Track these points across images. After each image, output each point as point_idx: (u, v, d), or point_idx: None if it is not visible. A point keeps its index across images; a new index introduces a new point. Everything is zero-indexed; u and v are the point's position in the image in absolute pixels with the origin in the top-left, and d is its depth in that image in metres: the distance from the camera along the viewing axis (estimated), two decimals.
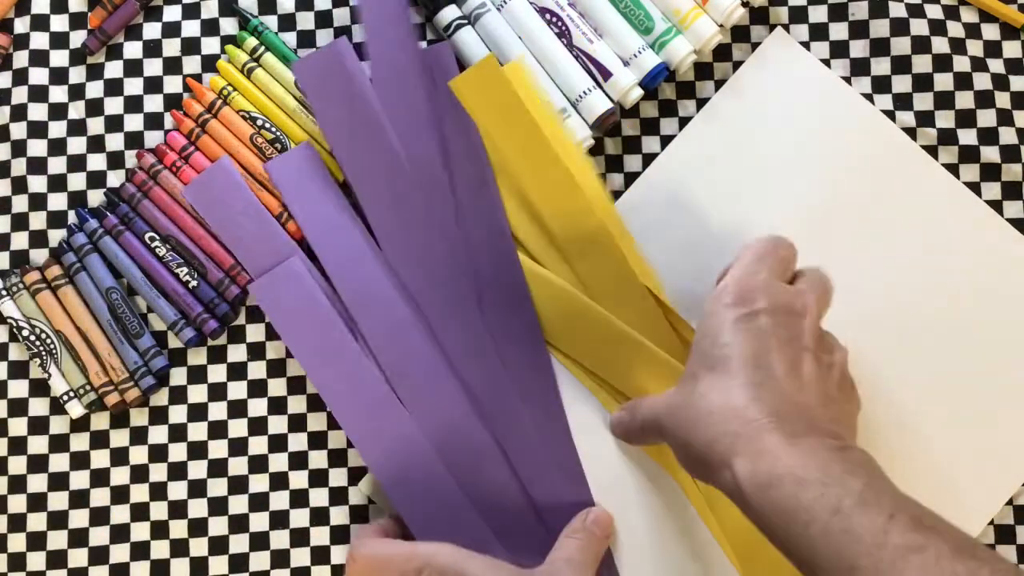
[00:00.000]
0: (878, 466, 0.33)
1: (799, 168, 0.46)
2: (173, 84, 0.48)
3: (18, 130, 0.47)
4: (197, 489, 0.45)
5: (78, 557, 0.45)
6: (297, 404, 0.46)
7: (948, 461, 0.44)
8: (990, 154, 0.46)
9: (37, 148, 0.47)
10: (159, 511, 0.45)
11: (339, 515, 0.45)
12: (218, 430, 0.46)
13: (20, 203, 0.47)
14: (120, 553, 0.45)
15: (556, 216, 0.44)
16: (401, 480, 0.43)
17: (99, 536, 0.45)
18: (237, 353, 0.46)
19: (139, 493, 0.45)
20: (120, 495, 0.45)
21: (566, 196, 0.44)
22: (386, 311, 0.44)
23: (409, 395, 0.43)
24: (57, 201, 0.47)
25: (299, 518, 0.45)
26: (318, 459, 0.46)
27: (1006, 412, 0.45)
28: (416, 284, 0.45)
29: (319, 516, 0.45)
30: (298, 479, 0.45)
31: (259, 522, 0.45)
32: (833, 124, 0.47)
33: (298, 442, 0.46)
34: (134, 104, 0.47)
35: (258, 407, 0.46)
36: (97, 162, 0.47)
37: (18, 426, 0.46)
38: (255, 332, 0.46)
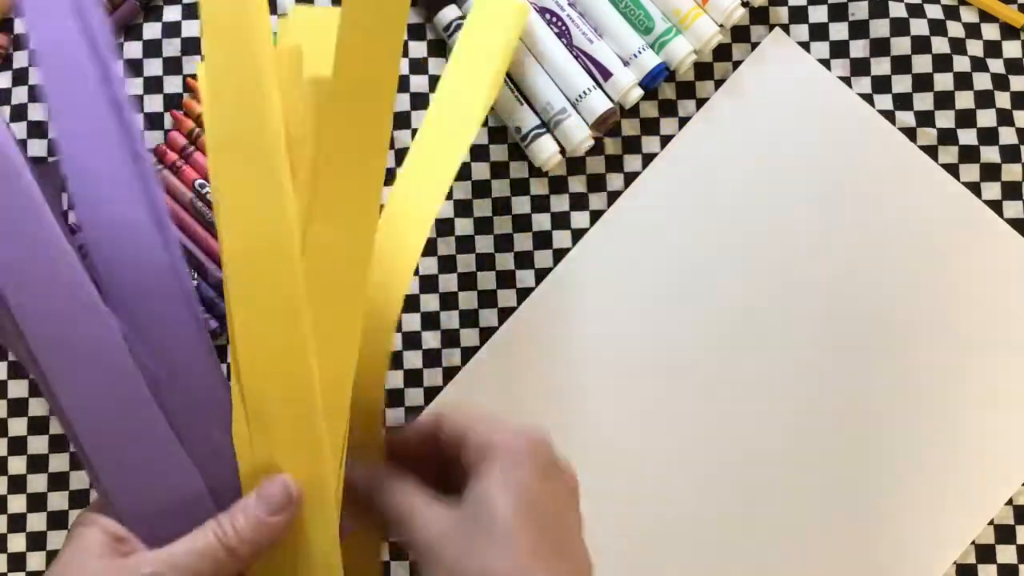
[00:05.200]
0: None
1: (797, 168, 0.46)
2: (173, 84, 0.48)
3: (18, 130, 0.47)
4: None
5: None
6: None
7: (948, 461, 0.45)
8: (990, 154, 0.46)
9: (37, 148, 0.47)
10: None
11: None
12: None
13: None
14: None
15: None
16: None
17: None
18: None
19: None
20: None
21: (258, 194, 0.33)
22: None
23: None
24: None
25: None
26: None
27: (1006, 412, 0.45)
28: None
29: None
30: None
31: None
32: (831, 124, 0.47)
33: None
34: (134, 104, 0.47)
35: None
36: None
37: (18, 426, 0.46)
38: None
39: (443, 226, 0.47)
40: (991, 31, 0.47)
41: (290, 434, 0.33)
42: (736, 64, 0.47)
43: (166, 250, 0.34)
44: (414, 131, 0.47)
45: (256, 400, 0.33)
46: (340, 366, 0.33)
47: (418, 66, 0.48)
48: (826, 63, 0.47)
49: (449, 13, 0.46)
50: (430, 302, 0.46)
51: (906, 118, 0.47)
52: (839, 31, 0.47)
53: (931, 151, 0.46)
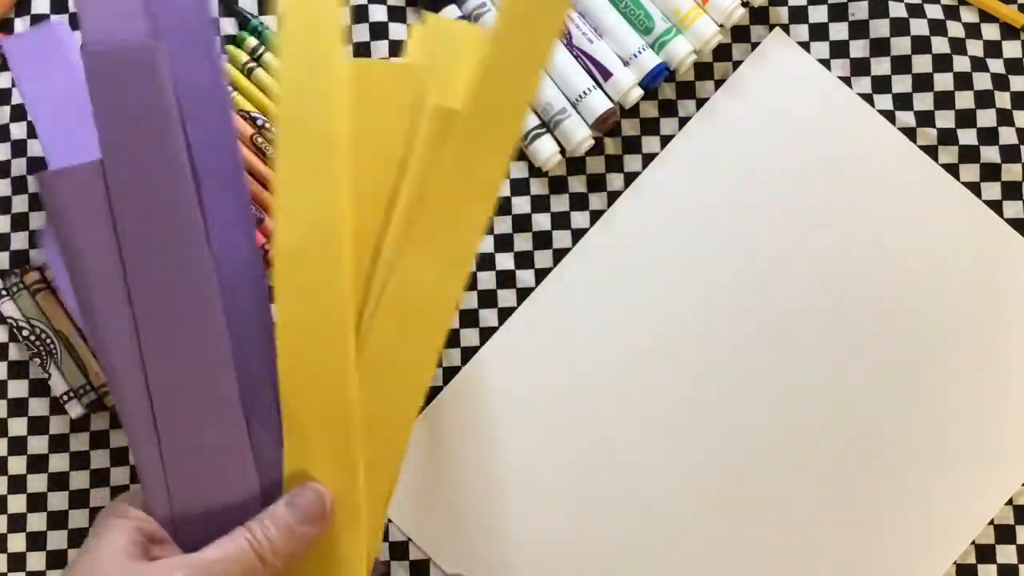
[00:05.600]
0: None
1: (797, 168, 0.46)
2: None
3: (18, 130, 0.47)
4: None
5: None
6: None
7: (948, 461, 0.45)
8: (990, 154, 0.46)
9: (37, 148, 0.47)
10: None
11: None
12: None
13: (20, 203, 0.47)
14: None
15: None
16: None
17: None
18: None
19: None
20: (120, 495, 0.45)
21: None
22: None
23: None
24: None
25: None
26: None
27: (1006, 411, 0.45)
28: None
29: None
30: None
31: None
32: (831, 125, 0.47)
33: None
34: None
35: None
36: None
37: (18, 426, 0.46)
38: None
39: None
40: (991, 31, 0.47)
41: (324, 444, 0.33)
42: (736, 64, 0.47)
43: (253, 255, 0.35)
44: None
45: (293, 407, 0.33)
46: (397, 404, 0.33)
47: None
48: (826, 63, 0.47)
49: (449, 13, 0.46)
50: None
51: (906, 118, 0.47)
52: (839, 31, 0.47)
53: (931, 151, 0.46)
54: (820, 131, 0.47)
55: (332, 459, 0.33)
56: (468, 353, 0.46)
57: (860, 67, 0.47)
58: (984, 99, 0.46)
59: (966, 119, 0.46)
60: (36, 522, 0.45)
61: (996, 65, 0.47)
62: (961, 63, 0.46)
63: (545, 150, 0.45)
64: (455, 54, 0.35)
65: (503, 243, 0.47)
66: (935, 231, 0.46)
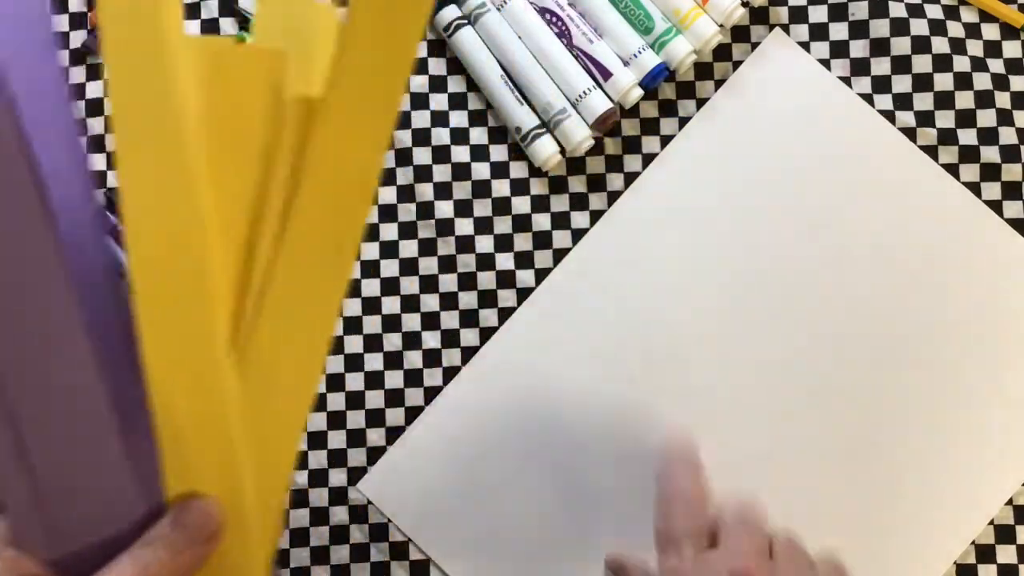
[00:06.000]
0: None
1: (797, 168, 0.46)
2: None
3: None
4: None
5: None
6: None
7: (948, 460, 0.45)
8: (990, 154, 0.46)
9: None
10: None
11: (339, 514, 0.45)
12: None
13: None
14: None
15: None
16: None
17: None
18: None
19: None
20: None
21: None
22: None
23: None
24: None
25: (299, 518, 0.45)
26: (318, 459, 0.46)
27: (1006, 412, 0.45)
28: None
29: (319, 516, 0.45)
30: (298, 478, 0.45)
31: None
32: (831, 125, 0.47)
33: None
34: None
35: None
36: (98, 162, 0.47)
37: None
38: None
39: (443, 226, 0.47)
40: (991, 31, 0.47)
41: (205, 455, 0.30)
42: (736, 64, 0.47)
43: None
44: (414, 131, 0.47)
45: (167, 419, 0.30)
46: (284, 407, 0.31)
47: (418, 66, 0.48)
48: (826, 63, 0.47)
49: (449, 13, 0.46)
50: (430, 302, 0.47)
51: (906, 118, 0.47)
52: (839, 31, 0.47)
53: (931, 151, 0.46)
54: (820, 131, 0.47)
55: (215, 470, 0.30)
56: (468, 353, 0.46)
57: (860, 67, 0.47)
58: (984, 99, 0.46)
59: (966, 119, 0.46)
60: None
61: (996, 65, 0.47)
62: (961, 63, 0.46)
63: (545, 150, 0.45)
64: (310, 35, 0.32)
65: (503, 243, 0.47)
66: (935, 231, 0.46)
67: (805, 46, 0.47)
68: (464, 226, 0.47)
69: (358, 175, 0.30)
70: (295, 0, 0.35)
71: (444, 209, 0.47)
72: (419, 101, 0.47)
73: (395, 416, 0.46)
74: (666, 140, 0.47)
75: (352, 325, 0.46)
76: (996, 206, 0.46)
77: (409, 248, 0.47)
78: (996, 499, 0.44)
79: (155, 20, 0.29)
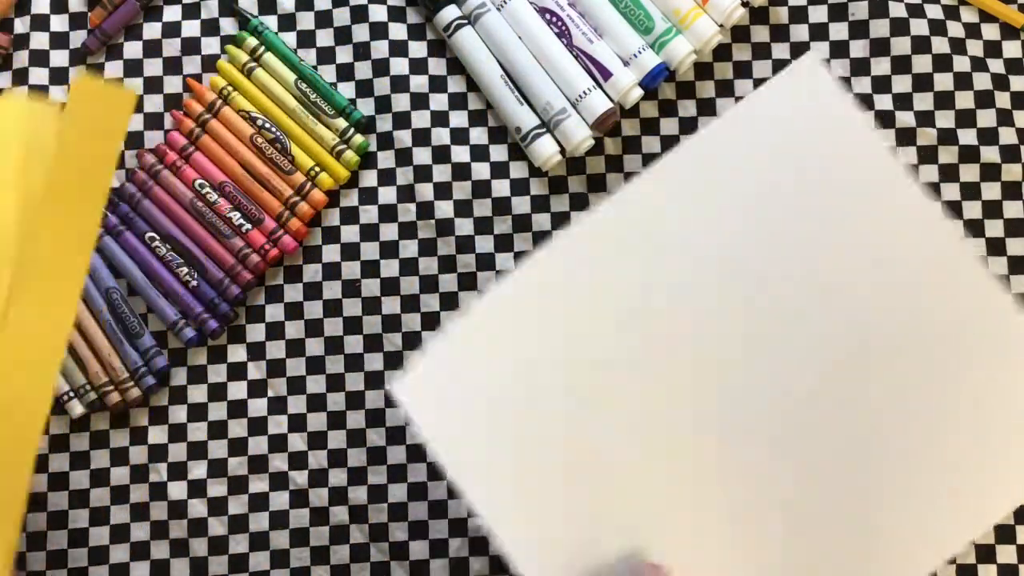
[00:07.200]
0: None
1: (798, 178, 0.46)
2: (173, 84, 0.48)
3: None
4: (197, 489, 0.45)
5: (78, 557, 0.45)
6: (297, 404, 0.46)
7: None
8: (990, 154, 0.46)
9: None
10: (159, 511, 0.45)
11: (339, 514, 0.45)
12: (218, 430, 0.46)
13: None
14: (120, 553, 0.45)
15: None
16: None
17: (99, 536, 0.45)
18: (237, 353, 0.46)
19: (139, 493, 0.45)
20: (120, 495, 0.45)
21: None
22: None
23: None
24: None
25: (299, 518, 0.45)
26: (318, 459, 0.46)
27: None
28: None
29: (319, 516, 0.45)
30: (299, 478, 0.45)
31: (259, 522, 0.45)
32: (837, 137, 0.45)
33: (298, 442, 0.46)
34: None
35: (258, 407, 0.46)
36: None
37: None
38: (255, 332, 0.46)
39: (443, 226, 0.47)
40: (991, 31, 0.47)
41: None
42: (736, 64, 0.47)
43: None
44: (414, 131, 0.47)
45: None
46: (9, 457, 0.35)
47: (418, 66, 0.48)
48: (826, 63, 0.47)
49: (449, 13, 0.46)
50: (430, 302, 0.47)
51: (906, 118, 0.47)
52: (839, 31, 0.47)
53: (931, 151, 0.46)
54: (826, 144, 0.46)
55: None
56: None
57: (860, 67, 0.47)
58: (984, 99, 0.46)
59: (966, 119, 0.46)
60: (36, 522, 0.45)
61: (996, 65, 0.47)
62: (961, 63, 0.46)
63: (545, 150, 0.45)
64: (31, 134, 0.36)
65: (503, 243, 0.47)
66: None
67: (805, 46, 0.47)
68: (464, 226, 0.47)
69: (71, 257, 0.34)
70: (14, 103, 0.39)
71: (444, 209, 0.47)
72: (419, 101, 0.47)
73: (395, 416, 0.46)
74: (666, 140, 0.47)
75: (352, 325, 0.46)
76: (996, 206, 0.46)
77: (409, 248, 0.47)
78: (997, 500, 0.44)
79: None
